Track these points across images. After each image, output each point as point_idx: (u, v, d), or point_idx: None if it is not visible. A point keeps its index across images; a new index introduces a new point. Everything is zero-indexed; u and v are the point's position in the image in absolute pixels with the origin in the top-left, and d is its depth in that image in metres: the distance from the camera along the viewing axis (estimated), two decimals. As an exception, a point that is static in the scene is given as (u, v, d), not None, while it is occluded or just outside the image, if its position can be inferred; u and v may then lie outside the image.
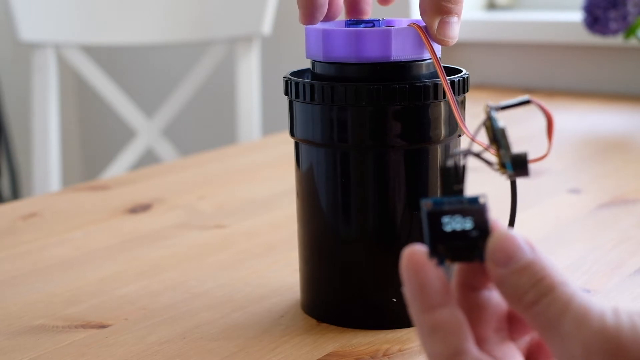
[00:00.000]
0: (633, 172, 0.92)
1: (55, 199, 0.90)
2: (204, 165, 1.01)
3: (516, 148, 0.38)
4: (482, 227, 0.36)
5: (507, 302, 0.36)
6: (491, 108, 0.38)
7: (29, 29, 1.36)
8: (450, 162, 0.38)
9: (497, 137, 0.38)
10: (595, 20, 1.18)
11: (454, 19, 0.50)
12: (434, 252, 0.36)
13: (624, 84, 1.42)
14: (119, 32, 1.44)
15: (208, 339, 0.52)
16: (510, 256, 0.36)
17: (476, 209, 0.37)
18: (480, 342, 0.38)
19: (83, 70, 1.46)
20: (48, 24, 1.38)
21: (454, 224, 0.36)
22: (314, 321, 0.54)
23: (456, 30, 0.50)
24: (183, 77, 1.67)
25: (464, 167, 0.37)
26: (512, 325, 0.39)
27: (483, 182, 0.83)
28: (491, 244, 0.36)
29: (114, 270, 0.65)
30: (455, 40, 0.51)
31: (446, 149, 0.52)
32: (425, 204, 0.37)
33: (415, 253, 0.37)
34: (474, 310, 0.38)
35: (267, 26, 1.46)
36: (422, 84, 0.50)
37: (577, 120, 1.23)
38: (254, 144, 1.26)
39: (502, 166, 0.38)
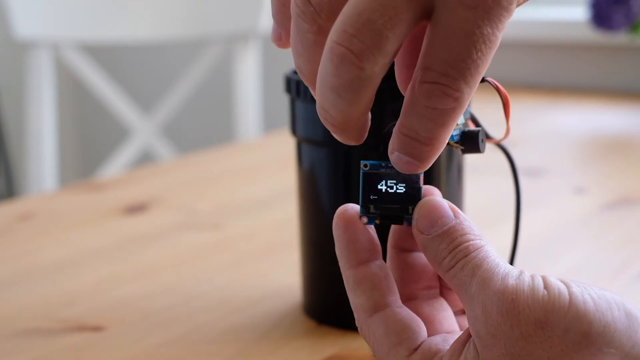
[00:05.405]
0: (638, 171, 0.91)
1: (50, 199, 0.89)
2: (202, 164, 1.01)
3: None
4: (413, 192, 0.38)
5: (432, 266, 0.38)
6: None
7: (24, 25, 1.35)
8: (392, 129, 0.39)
9: None
10: (599, 16, 1.18)
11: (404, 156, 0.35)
12: (364, 212, 0.38)
13: (629, 82, 1.41)
14: (116, 29, 1.43)
15: (206, 342, 0.51)
16: (433, 223, 0.37)
17: (410, 176, 0.38)
18: (410, 300, 0.40)
19: (79, 68, 1.45)
20: (43, 20, 1.37)
21: (387, 187, 0.38)
22: (314, 323, 0.53)
23: (408, 166, 0.35)
24: (181, 75, 1.66)
25: None
26: (442, 282, 0.41)
27: (483, 184, 0.82)
28: (417, 211, 0.37)
29: (110, 272, 0.64)
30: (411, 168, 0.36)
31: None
32: (364, 165, 0.38)
33: (347, 212, 0.38)
34: (405, 269, 0.40)
35: (265, 23, 1.45)
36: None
37: (581, 118, 1.22)
38: (253, 143, 1.25)
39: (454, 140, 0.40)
